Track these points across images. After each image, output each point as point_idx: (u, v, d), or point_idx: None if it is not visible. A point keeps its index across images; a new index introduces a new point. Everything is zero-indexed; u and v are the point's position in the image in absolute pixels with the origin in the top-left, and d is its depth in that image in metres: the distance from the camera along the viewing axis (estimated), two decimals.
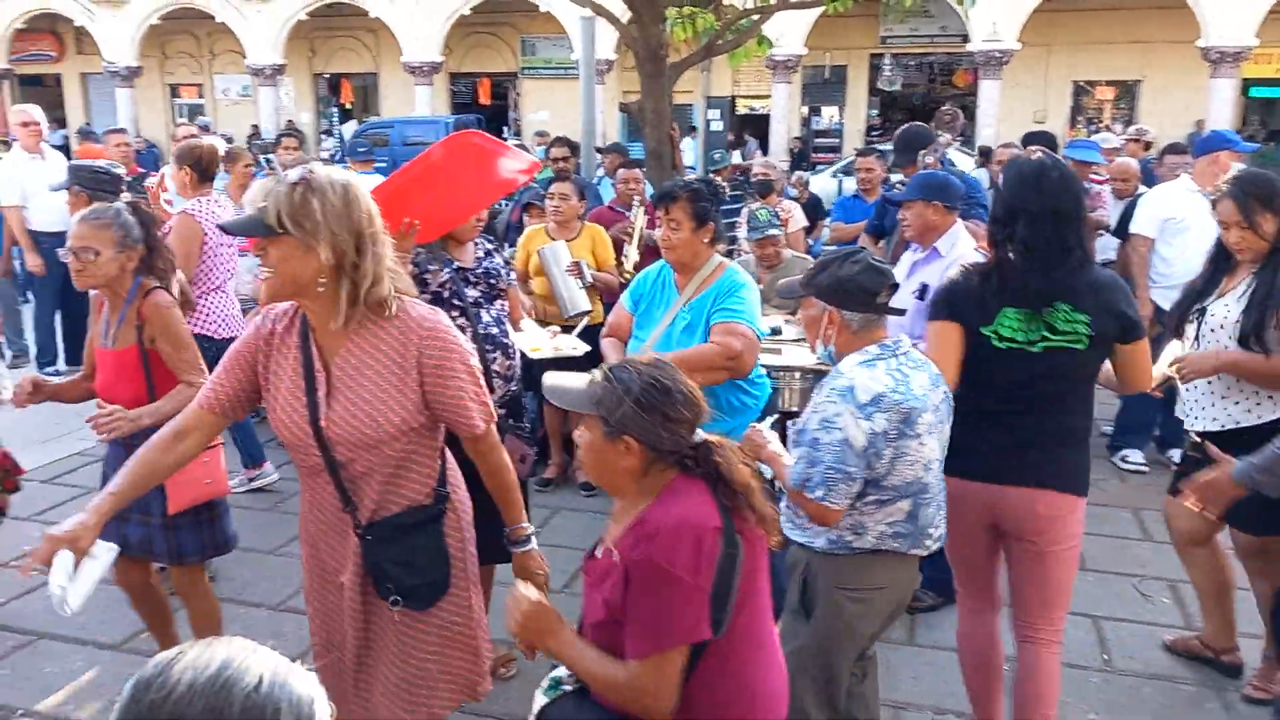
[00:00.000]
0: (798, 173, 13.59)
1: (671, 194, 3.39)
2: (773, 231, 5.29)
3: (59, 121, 28.87)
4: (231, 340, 2.47)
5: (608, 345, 3.69)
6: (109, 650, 3.83)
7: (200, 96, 31.64)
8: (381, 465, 2.24)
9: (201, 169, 5.00)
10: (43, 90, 30.96)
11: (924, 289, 3.77)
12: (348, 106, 31.31)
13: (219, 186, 5.45)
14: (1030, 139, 7.64)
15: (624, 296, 3.74)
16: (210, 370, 2.44)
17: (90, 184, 4.37)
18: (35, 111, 7.33)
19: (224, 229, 2.38)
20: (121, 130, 8.81)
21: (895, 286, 2.58)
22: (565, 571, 4.34)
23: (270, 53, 27.86)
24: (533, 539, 2.48)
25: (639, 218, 5.77)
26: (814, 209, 8.93)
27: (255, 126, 28.20)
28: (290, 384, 2.23)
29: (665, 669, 1.91)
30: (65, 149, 10.63)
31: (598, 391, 2.00)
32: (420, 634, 2.36)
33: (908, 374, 2.50)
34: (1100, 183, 6.84)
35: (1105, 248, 6.57)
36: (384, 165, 11.87)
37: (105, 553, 2.11)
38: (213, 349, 4.02)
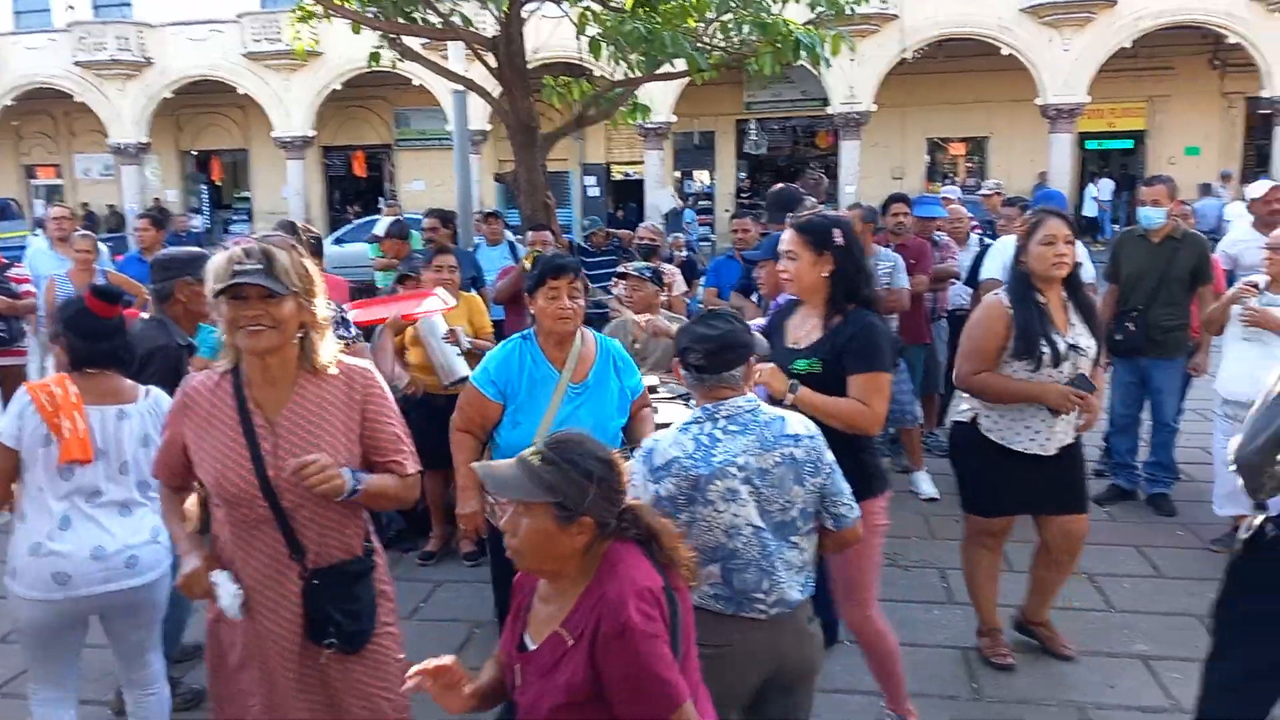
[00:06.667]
0: (675, 235, 13.91)
1: (572, 264, 3.35)
2: (642, 271, 5.43)
3: None
4: None
5: (466, 446, 3.45)
6: None
7: (59, 176, 30.63)
8: (324, 511, 2.41)
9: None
10: None
11: None
12: (218, 183, 30.71)
13: None
14: (891, 200, 8.03)
15: (481, 386, 3.41)
16: None
17: None
18: None
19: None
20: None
21: (701, 350, 2.52)
22: (453, 645, 4.32)
23: (134, 131, 27.20)
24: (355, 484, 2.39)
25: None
26: (689, 270, 9.19)
27: (111, 206, 27.42)
28: (228, 442, 2.38)
29: (690, 716, 1.90)
30: None
31: (550, 478, 1.90)
32: (387, 672, 2.53)
33: (720, 439, 2.49)
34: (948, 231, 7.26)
35: (959, 294, 6.96)
36: None
37: (232, 591, 2.39)
38: None
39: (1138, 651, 4.12)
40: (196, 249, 4.22)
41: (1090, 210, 24.52)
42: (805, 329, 3.31)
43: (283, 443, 2.37)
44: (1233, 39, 22.24)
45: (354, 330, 3.77)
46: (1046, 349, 3.65)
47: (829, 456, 2.59)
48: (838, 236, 3.22)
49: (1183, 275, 5.58)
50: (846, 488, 2.63)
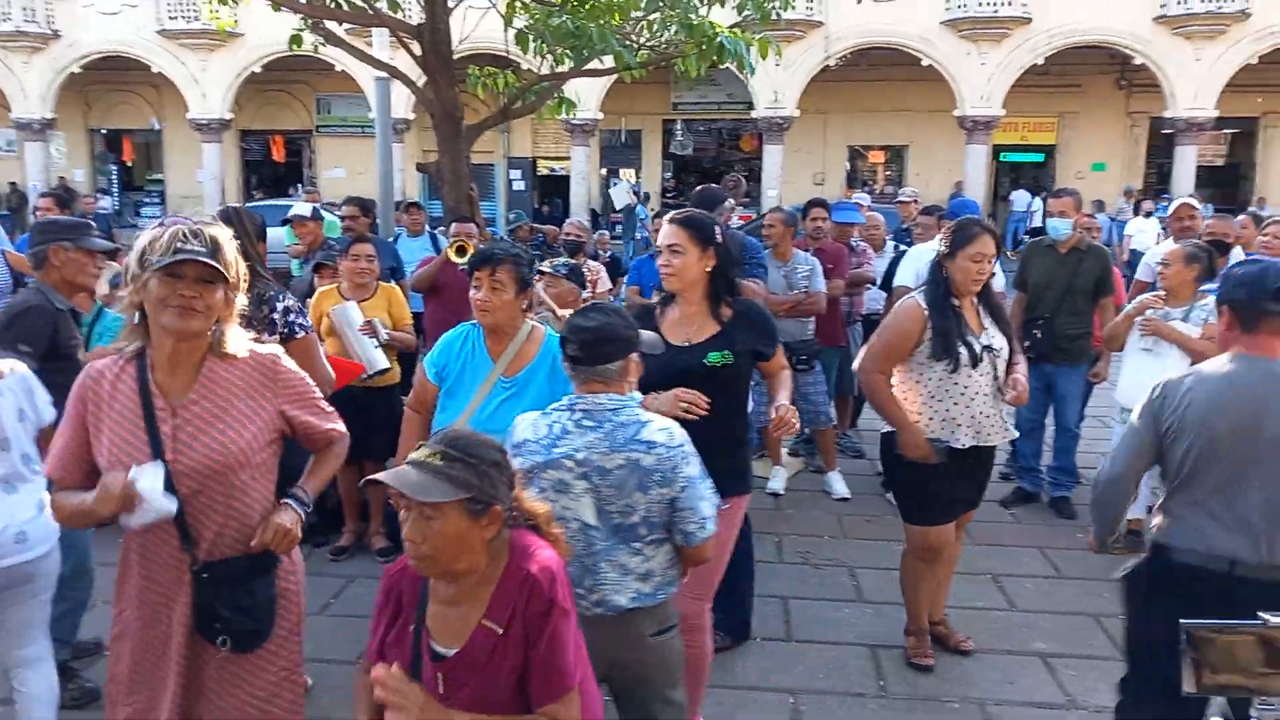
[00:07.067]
0: (599, 232, 13.96)
1: (497, 256, 3.29)
2: (559, 269, 5.38)
3: None
4: None
5: (414, 422, 3.54)
6: None
7: None
8: (225, 500, 2.37)
9: None
10: None
11: None
12: (129, 164, 29.63)
13: None
14: (810, 205, 8.14)
15: (426, 367, 3.51)
16: None
17: None
18: None
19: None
20: None
21: (576, 341, 2.52)
22: (363, 641, 4.23)
23: (39, 106, 26.09)
24: (306, 506, 2.54)
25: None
26: (613, 268, 9.22)
27: (13, 184, 26.33)
28: (126, 424, 2.33)
29: (576, 702, 1.97)
30: None
31: (460, 475, 1.88)
32: (257, 678, 2.47)
33: (570, 431, 2.49)
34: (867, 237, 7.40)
35: (874, 299, 7.10)
36: None
37: (152, 470, 2.25)
38: None
39: (1037, 649, 4.25)
40: (78, 218, 4.15)
41: (1035, 221, 24.56)
42: (693, 325, 3.37)
43: (183, 426, 2.35)
44: (1139, 60, 23.08)
45: (309, 322, 3.74)
46: (964, 350, 3.77)
47: (689, 471, 2.50)
48: (718, 234, 3.35)
49: (1087, 286, 5.78)
50: (704, 507, 2.55)
